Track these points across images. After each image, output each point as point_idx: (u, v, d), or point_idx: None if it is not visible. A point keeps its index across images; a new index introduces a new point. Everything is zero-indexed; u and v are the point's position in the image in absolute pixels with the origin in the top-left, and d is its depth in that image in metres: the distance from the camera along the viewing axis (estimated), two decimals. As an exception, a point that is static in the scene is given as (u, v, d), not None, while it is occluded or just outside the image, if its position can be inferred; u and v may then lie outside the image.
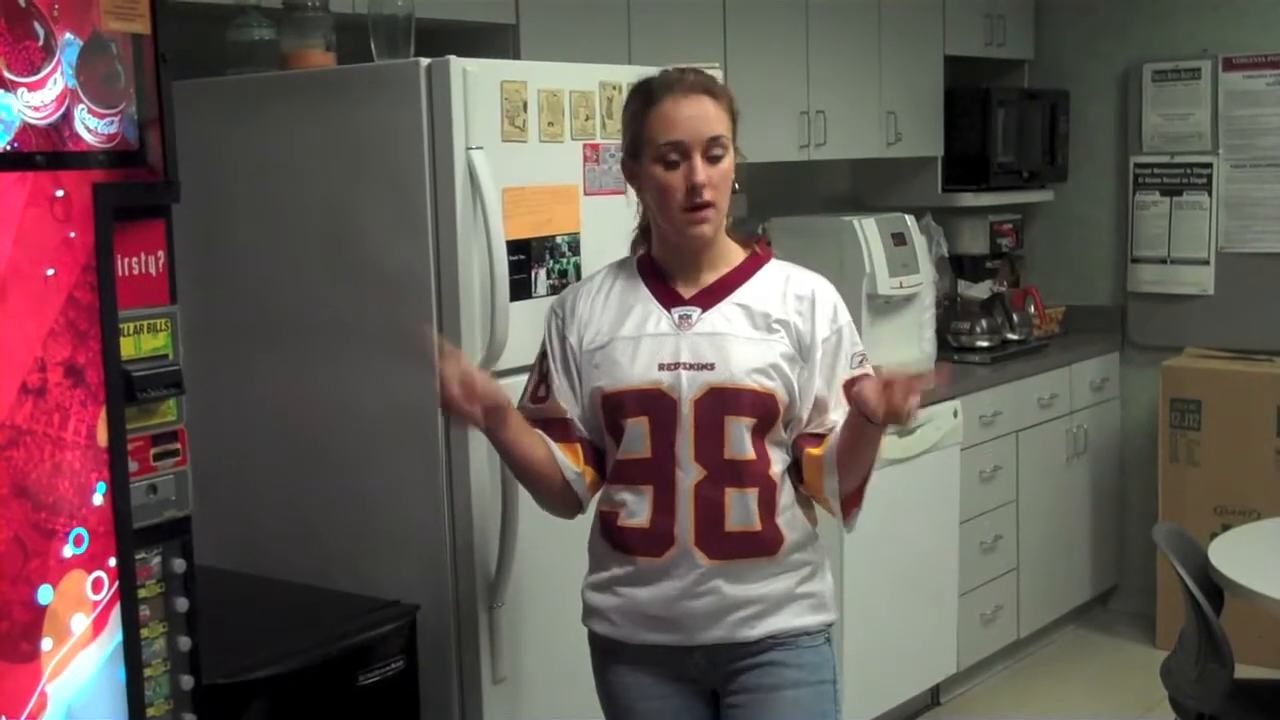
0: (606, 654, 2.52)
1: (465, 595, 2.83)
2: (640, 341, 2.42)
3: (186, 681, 2.06)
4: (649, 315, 2.44)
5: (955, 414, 4.56)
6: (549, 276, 2.91)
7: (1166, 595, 5.03)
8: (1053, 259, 5.82)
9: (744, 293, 2.44)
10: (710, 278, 2.45)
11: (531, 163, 2.87)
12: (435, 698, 2.82)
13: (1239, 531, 3.96)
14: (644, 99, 2.41)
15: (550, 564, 2.85)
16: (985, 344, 5.20)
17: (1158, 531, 3.68)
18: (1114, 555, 5.65)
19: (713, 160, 2.37)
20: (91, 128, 1.89)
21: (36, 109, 1.82)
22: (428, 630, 2.77)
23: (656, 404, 2.38)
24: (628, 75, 3.03)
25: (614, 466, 2.46)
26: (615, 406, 2.41)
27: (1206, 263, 5.47)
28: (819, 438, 2.44)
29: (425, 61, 2.74)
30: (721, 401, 2.37)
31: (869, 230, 4.52)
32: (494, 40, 3.58)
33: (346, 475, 2.95)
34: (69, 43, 1.85)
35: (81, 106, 1.87)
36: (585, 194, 2.97)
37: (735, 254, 2.48)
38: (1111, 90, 5.66)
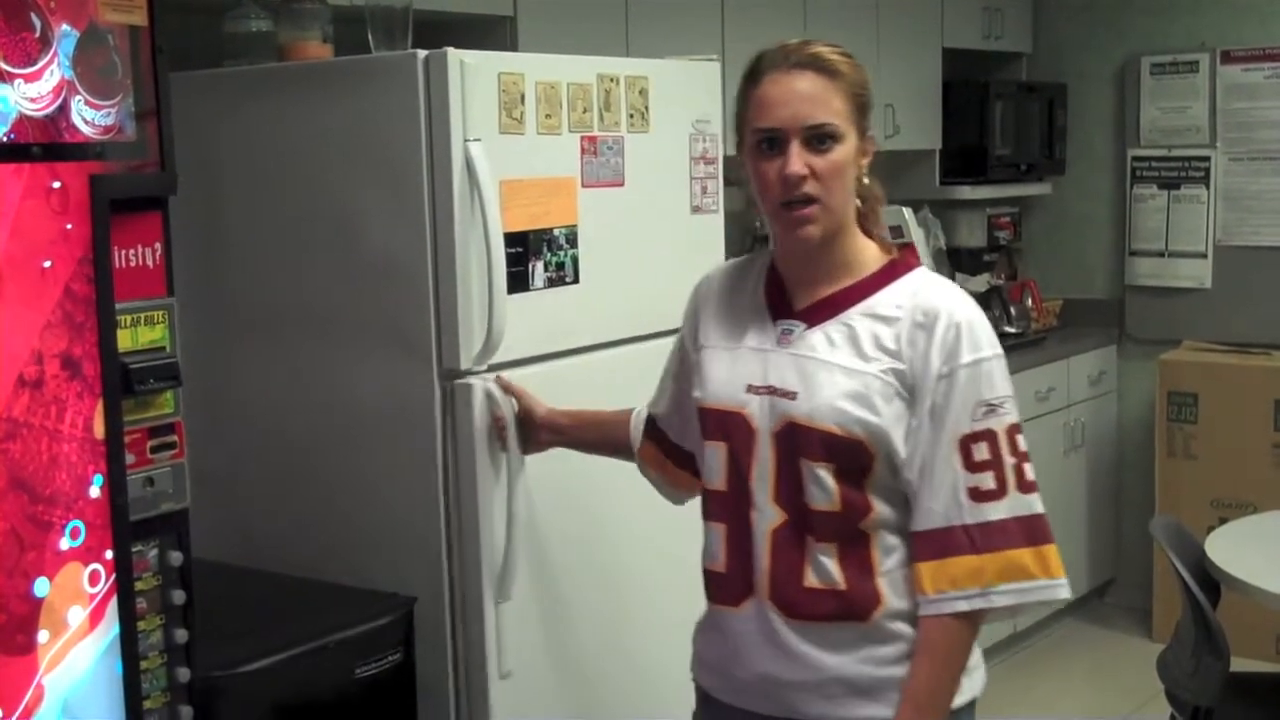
0: (704, 702, 2.27)
1: (471, 589, 2.82)
2: (736, 354, 2.13)
3: (183, 674, 2.06)
4: (753, 324, 2.14)
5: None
6: (546, 269, 2.91)
7: (1163, 588, 5.04)
8: (1050, 252, 5.82)
9: (861, 310, 2.06)
10: (828, 289, 2.09)
11: (529, 155, 2.86)
12: (434, 690, 2.82)
13: (1236, 525, 3.97)
14: (748, 77, 2.08)
15: (558, 559, 2.85)
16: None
17: (1154, 525, 3.68)
18: (1111, 548, 5.66)
19: (818, 149, 2.01)
20: (88, 119, 1.88)
21: (33, 100, 1.81)
22: (426, 623, 2.77)
23: (736, 430, 2.10)
24: (625, 68, 3.03)
25: (703, 495, 2.21)
26: (702, 423, 2.16)
27: (1204, 256, 5.47)
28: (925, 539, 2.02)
29: (422, 53, 2.74)
30: (796, 440, 2.04)
31: (866, 223, 4.51)
32: (491, 32, 3.58)
33: (343, 467, 2.95)
34: (66, 34, 1.85)
35: (78, 98, 1.87)
36: (583, 186, 2.97)
37: (868, 261, 2.10)
38: (1109, 83, 5.66)
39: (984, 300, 5.33)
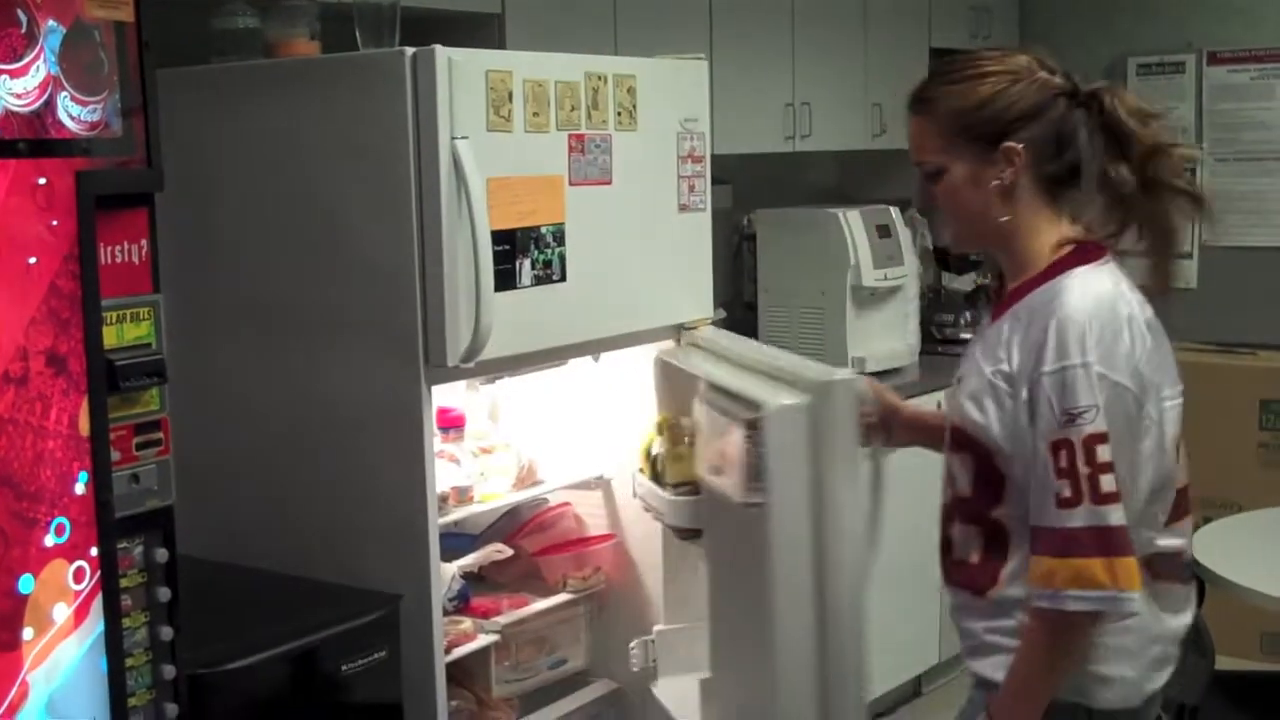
0: None
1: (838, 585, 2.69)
2: None
3: (168, 671, 2.05)
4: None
5: (939, 405, 4.56)
6: (534, 267, 2.91)
7: (1148, 587, 5.04)
8: (1037, 252, 5.83)
9: (1012, 311, 2.17)
10: (1010, 289, 2.24)
11: (516, 153, 2.86)
12: (418, 688, 2.82)
13: (1221, 524, 3.97)
14: None
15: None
16: (969, 336, 5.17)
17: (1140, 524, 3.68)
18: (1096, 547, 5.66)
19: (932, 181, 2.21)
20: (74, 115, 1.88)
21: (19, 96, 1.81)
22: (410, 620, 2.77)
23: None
24: (613, 66, 3.03)
25: None
26: None
27: (1190, 256, 5.48)
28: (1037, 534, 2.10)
29: (410, 51, 2.73)
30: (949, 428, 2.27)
31: (854, 222, 4.52)
32: (479, 30, 3.57)
33: (329, 465, 2.95)
34: (52, 30, 1.84)
35: (64, 94, 1.86)
36: (570, 184, 2.97)
37: (1035, 265, 2.19)
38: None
39: (970, 299, 5.34)
